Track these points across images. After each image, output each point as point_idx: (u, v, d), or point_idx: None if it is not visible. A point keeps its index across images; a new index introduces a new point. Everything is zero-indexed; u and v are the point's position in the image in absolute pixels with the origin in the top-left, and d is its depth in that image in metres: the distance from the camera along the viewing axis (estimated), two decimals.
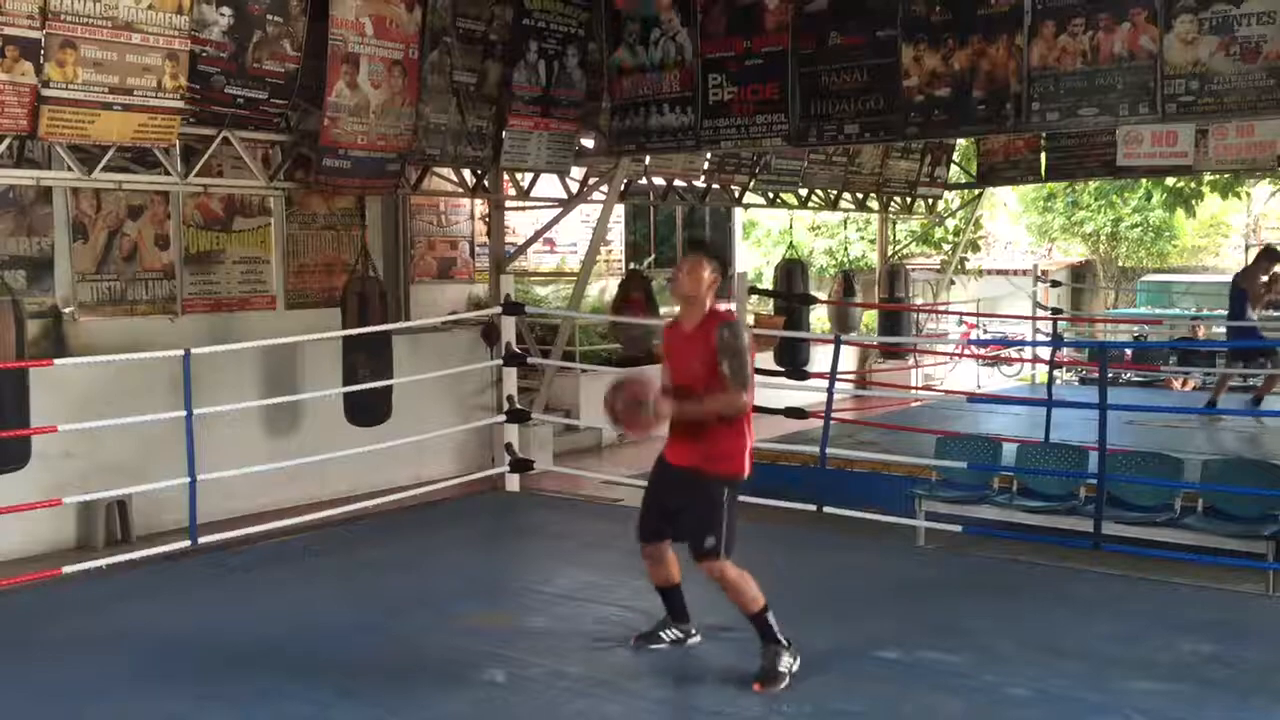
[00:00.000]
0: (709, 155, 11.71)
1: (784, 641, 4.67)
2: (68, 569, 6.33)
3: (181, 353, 6.80)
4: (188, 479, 6.70)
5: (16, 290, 7.48)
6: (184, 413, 6.64)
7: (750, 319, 11.51)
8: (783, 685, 4.58)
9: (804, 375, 11.30)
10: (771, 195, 13.86)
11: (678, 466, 4.75)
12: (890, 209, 15.88)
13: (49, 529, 7.84)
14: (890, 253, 16.60)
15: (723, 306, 4.71)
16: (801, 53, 8.52)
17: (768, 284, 15.18)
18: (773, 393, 10.43)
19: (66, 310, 8.29)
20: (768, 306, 14.12)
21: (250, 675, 4.87)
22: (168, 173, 7.74)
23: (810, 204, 14.58)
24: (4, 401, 6.80)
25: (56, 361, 7.14)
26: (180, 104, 7.29)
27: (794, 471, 8.68)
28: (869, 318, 16.64)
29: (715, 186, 12.87)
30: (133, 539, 7.97)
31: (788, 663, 4.66)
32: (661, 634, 5.09)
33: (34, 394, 7.06)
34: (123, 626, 5.55)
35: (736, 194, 13.29)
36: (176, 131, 7.40)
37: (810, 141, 8.97)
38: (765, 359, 12.01)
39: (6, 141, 6.88)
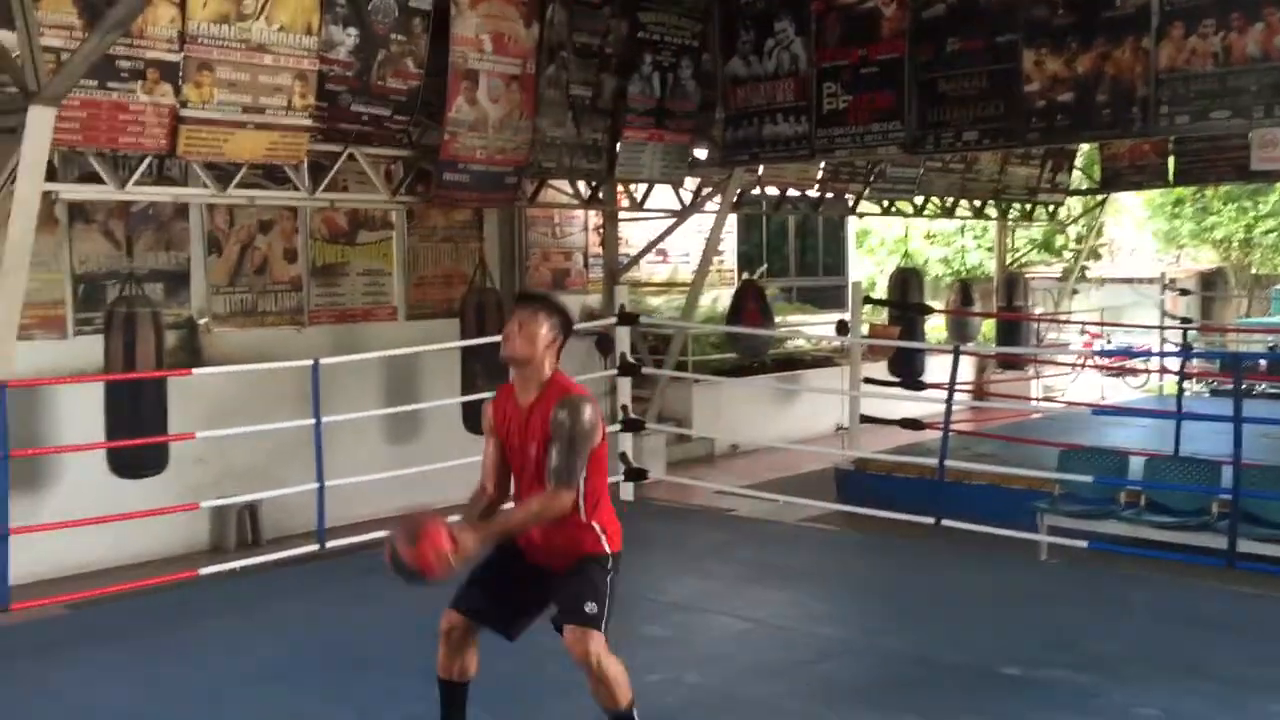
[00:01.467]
0: (823, 164, 11.64)
1: None
2: (204, 570, 6.59)
3: (311, 363, 7.04)
4: (316, 484, 6.92)
5: (156, 302, 7.80)
6: (313, 421, 6.87)
7: (864, 329, 11.39)
8: None
9: (920, 386, 11.15)
10: (886, 204, 13.70)
11: (547, 569, 3.91)
12: (1009, 216, 15.54)
13: (185, 532, 8.16)
14: (1009, 261, 16.25)
15: (567, 373, 3.87)
16: (918, 59, 8.42)
17: (881, 293, 15.01)
18: (888, 403, 10.33)
19: (201, 321, 8.63)
20: (882, 316, 13.95)
21: (375, 677, 5.01)
22: (296, 188, 8.01)
23: (926, 212, 14.37)
24: (145, 409, 7.10)
25: (195, 371, 7.42)
26: (309, 122, 7.54)
27: (910, 483, 8.56)
28: (987, 328, 16.31)
29: (829, 195, 12.79)
30: (262, 542, 8.24)
31: None
32: None
33: (171, 402, 7.36)
34: (255, 626, 5.75)
35: (850, 203, 13.18)
36: (305, 149, 7.65)
37: (927, 149, 8.85)
38: (879, 369, 11.87)
39: (147, 160, 7.19)
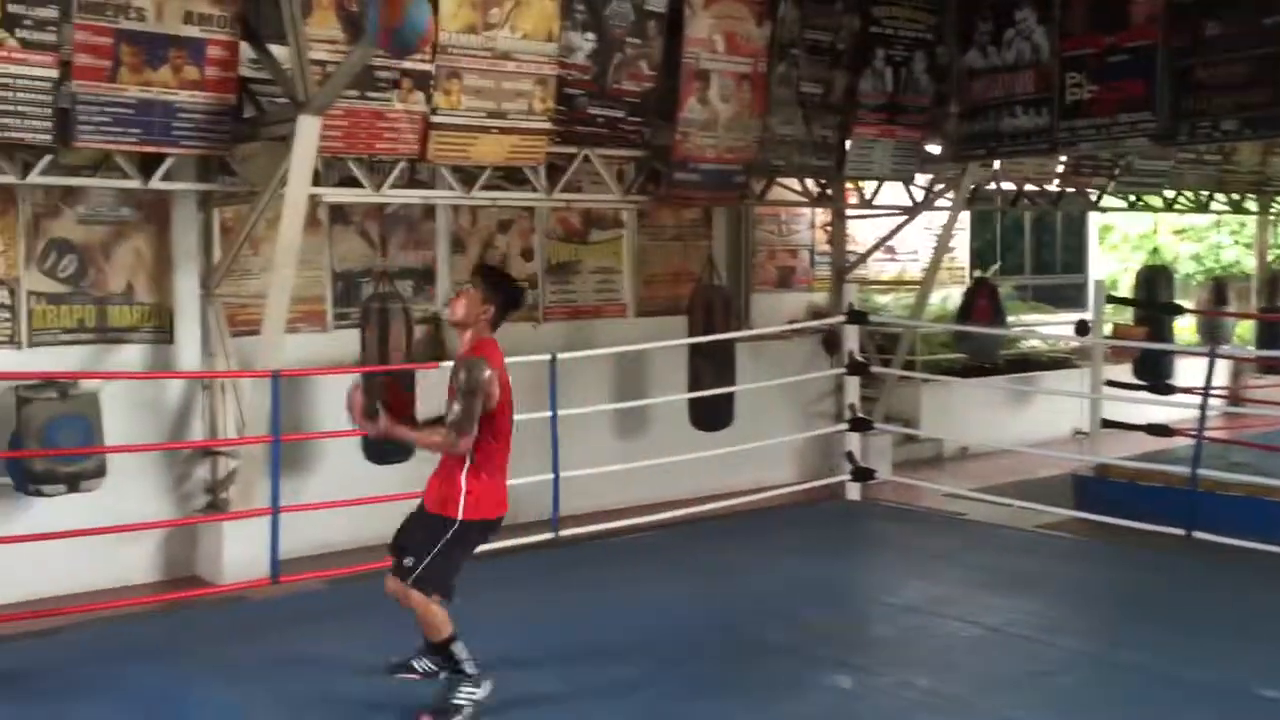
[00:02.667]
0: (1063, 158, 11.17)
1: (470, 670, 4.54)
2: None
3: (548, 357, 7.31)
4: (551, 475, 7.18)
5: (405, 298, 8.26)
6: (549, 413, 7.13)
7: (1107, 329, 10.85)
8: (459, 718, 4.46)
9: (1168, 390, 10.56)
10: (1133, 198, 13.01)
11: (422, 506, 4.65)
12: (1271, 210, 14.47)
13: None
14: (1271, 258, 15.13)
15: (493, 339, 4.55)
16: (1172, 46, 7.97)
17: (1124, 292, 14.26)
18: (1131, 408, 9.83)
19: (446, 316, 9.09)
20: (1125, 316, 13.25)
21: (607, 664, 5.17)
22: (534, 189, 8.32)
23: (1177, 206, 13.55)
24: (401, 397, 7.52)
25: (441, 364, 7.80)
26: (548, 125, 7.81)
27: (1157, 492, 8.11)
28: (1242, 329, 15.24)
29: (1070, 190, 12.25)
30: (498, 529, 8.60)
31: (468, 694, 4.51)
32: (414, 663, 4.72)
33: (419, 393, 7.77)
34: (494, 610, 6.02)
35: (1093, 197, 12.59)
36: (544, 151, 7.93)
37: (1180, 140, 8.38)
38: (1122, 372, 11.29)
39: (400, 165, 7.63)
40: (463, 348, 4.53)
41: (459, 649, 4.56)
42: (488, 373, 4.39)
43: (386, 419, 4.45)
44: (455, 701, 4.51)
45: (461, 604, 6.10)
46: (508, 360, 7.83)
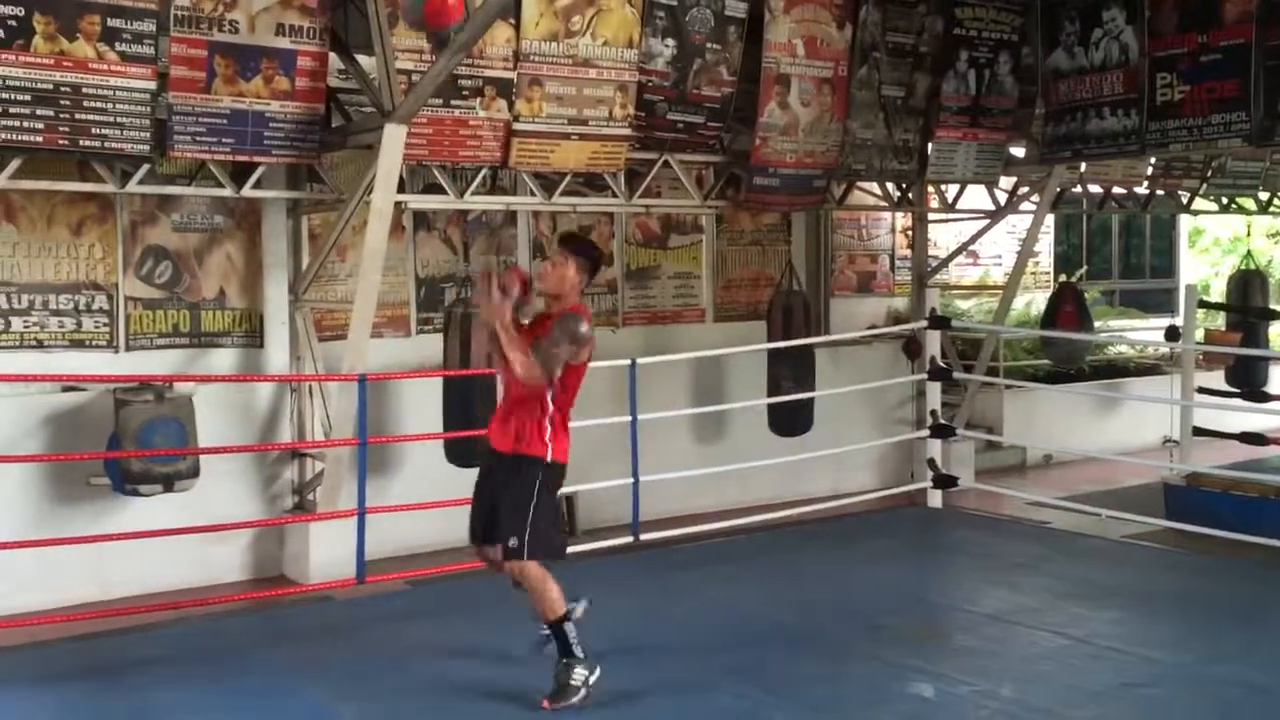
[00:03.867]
0: (1153, 160, 10.93)
1: (580, 654, 4.58)
2: None
3: (627, 362, 7.35)
4: (631, 479, 7.22)
5: None
6: (629, 418, 7.17)
7: (1198, 334, 10.59)
8: (575, 700, 4.53)
9: (1262, 397, 10.27)
10: (1225, 200, 12.69)
11: (498, 452, 4.70)
12: None
13: None
14: None
15: (582, 304, 4.75)
16: (1268, 44, 7.76)
17: (1216, 297, 13.90)
18: (1224, 415, 9.59)
19: (525, 322, 9.17)
20: (1218, 321, 12.92)
21: (685, 668, 5.17)
22: (614, 195, 8.37)
23: (1272, 208, 13.19)
24: (478, 403, 7.61)
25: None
26: (628, 132, 7.87)
27: (1253, 503, 7.90)
28: None
29: (1159, 193, 11.98)
30: (578, 533, 8.66)
31: (582, 676, 4.57)
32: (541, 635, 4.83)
33: (500, 397, 7.86)
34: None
35: (1184, 200, 12.30)
36: (624, 157, 7.98)
37: (1275, 141, 8.15)
38: (1214, 379, 11.00)
39: (483, 172, 7.74)
40: (557, 308, 4.66)
41: (570, 630, 4.61)
42: (590, 330, 4.61)
43: (509, 307, 4.48)
44: (571, 683, 4.57)
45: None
46: (591, 364, 7.98)
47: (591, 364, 7.95)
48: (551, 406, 4.61)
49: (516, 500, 4.55)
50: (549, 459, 4.60)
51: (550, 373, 4.52)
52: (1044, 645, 5.45)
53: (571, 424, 7.49)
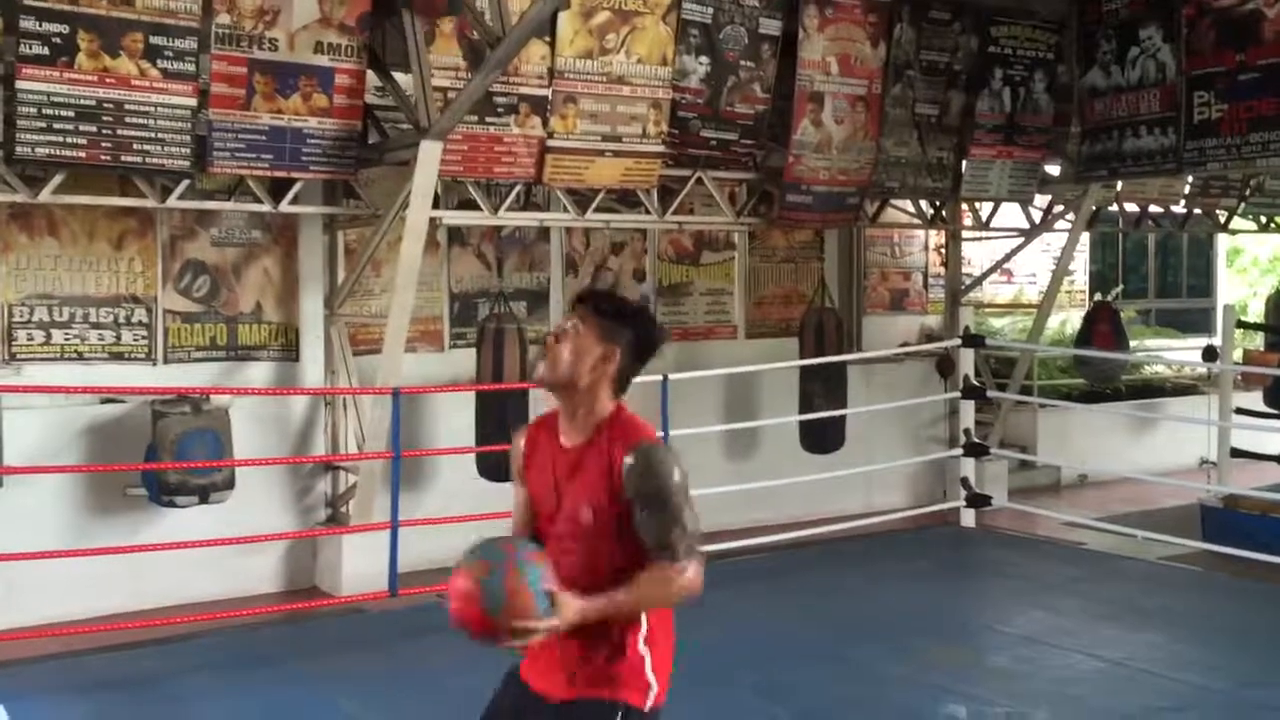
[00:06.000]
0: (1190, 178, 10.84)
1: None
2: None
3: (659, 378, 7.35)
4: None
5: (520, 319, 8.40)
6: (661, 434, 7.16)
7: (1236, 354, 10.48)
8: None
9: None
10: (1264, 219, 12.56)
11: (544, 697, 2.75)
12: None
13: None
14: None
15: (627, 407, 2.76)
16: None
17: (1255, 317, 13.75)
18: (1263, 437, 9.47)
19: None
20: (1256, 341, 12.77)
21: (715, 685, 5.16)
22: (647, 212, 8.40)
23: None
24: (510, 418, 7.65)
25: None
26: (661, 149, 7.89)
27: None
28: None
29: (1196, 211, 11.88)
30: None
31: None
32: None
33: (531, 413, 7.90)
34: None
35: (1222, 219, 12.19)
36: (657, 174, 8.01)
37: None
38: (1254, 400, 10.88)
39: (517, 188, 7.79)
40: (579, 422, 2.72)
41: None
42: (677, 461, 2.68)
43: (568, 605, 2.53)
44: None
45: None
46: None
47: None
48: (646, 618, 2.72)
49: None
50: (648, 705, 2.70)
51: (699, 561, 2.65)
52: (1078, 667, 5.40)
53: None
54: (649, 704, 2.67)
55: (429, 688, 5.22)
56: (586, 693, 2.64)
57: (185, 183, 6.84)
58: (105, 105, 6.26)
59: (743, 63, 8.11)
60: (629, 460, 2.61)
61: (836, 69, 8.44)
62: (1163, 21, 8.45)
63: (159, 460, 6.68)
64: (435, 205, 7.31)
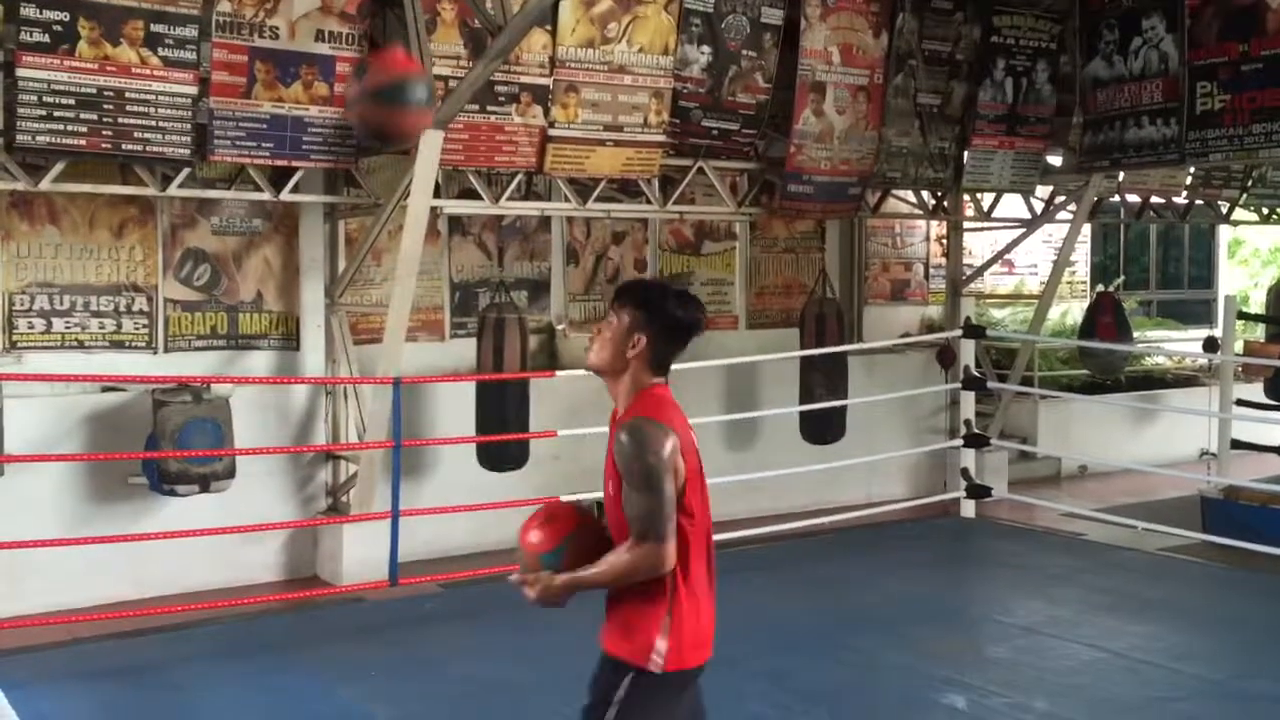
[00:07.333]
0: (1192, 169, 10.83)
1: None
2: None
3: None
4: None
5: (521, 309, 8.39)
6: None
7: (1238, 346, 10.47)
8: None
9: None
10: (1265, 211, 12.55)
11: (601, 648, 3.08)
12: None
13: None
14: None
15: (662, 385, 3.06)
16: None
17: (1256, 308, 13.75)
18: (1263, 428, 9.46)
19: (559, 327, 9.20)
20: (1257, 332, 12.77)
21: (717, 673, 5.16)
22: (648, 201, 8.39)
23: None
24: (511, 408, 7.66)
25: (559, 373, 7.90)
26: (663, 138, 7.88)
27: None
28: None
29: (1198, 202, 11.87)
30: None
31: None
32: None
33: (532, 402, 7.90)
34: (598, 621, 6.07)
35: (1223, 210, 12.18)
36: (658, 164, 8.00)
37: None
38: (1253, 391, 10.88)
39: (518, 177, 7.78)
40: (619, 407, 3.05)
41: None
42: (670, 440, 2.90)
43: (558, 577, 2.96)
44: None
45: (571, 615, 6.22)
46: None
47: None
48: (669, 578, 2.92)
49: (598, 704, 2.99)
50: (653, 666, 2.91)
51: (670, 539, 2.87)
52: (1078, 658, 5.41)
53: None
54: (660, 667, 2.91)
55: (429, 676, 5.23)
56: (613, 650, 2.99)
57: (186, 171, 6.83)
58: (106, 93, 6.25)
59: (744, 52, 8.10)
60: (619, 436, 2.92)
61: (838, 59, 8.43)
62: (1165, 12, 8.43)
63: (160, 449, 6.69)
64: (436, 194, 7.29)
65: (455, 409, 7.91)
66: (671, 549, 2.86)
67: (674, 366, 3.10)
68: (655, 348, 3.03)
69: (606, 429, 3.09)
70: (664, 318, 3.03)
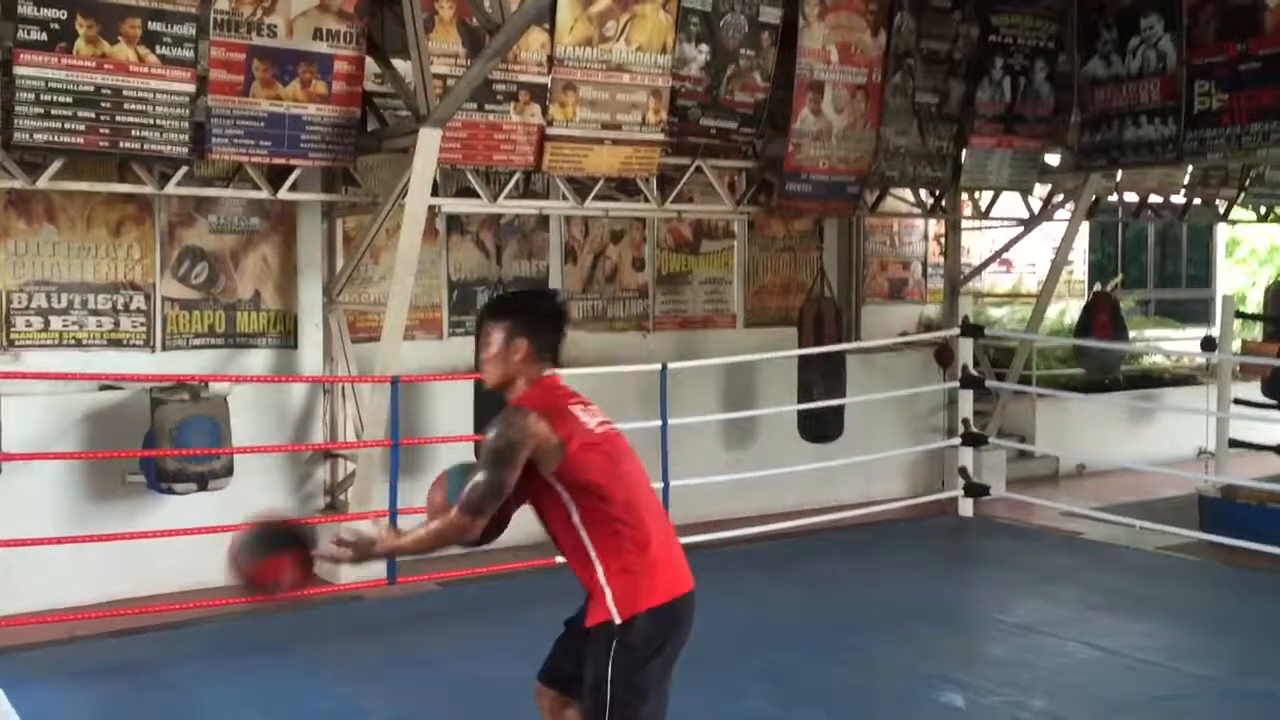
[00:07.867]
0: (1190, 168, 10.84)
1: None
2: (559, 559, 7.02)
3: (658, 367, 7.36)
4: (660, 484, 7.22)
5: None
6: (659, 422, 7.17)
7: (1235, 345, 10.47)
8: None
9: None
10: (1263, 210, 12.57)
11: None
12: None
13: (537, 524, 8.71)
14: None
15: (550, 378, 3.34)
16: None
17: (1254, 308, 13.76)
18: (1261, 427, 9.47)
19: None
20: (1255, 331, 12.78)
21: (715, 671, 5.17)
22: (646, 200, 8.39)
23: None
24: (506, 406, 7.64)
25: (560, 372, 7.88)
26: (661, 137, 7.89)
27: None
28: None
29: (1196, 201, 11.88)
30: None
31: None
32: None
33: None
34: None
35: (1221, 209, 12.19)
36: (657, 162, 8.00)
37: None
38: (1251, 390, 10.89)
39: (516, 176, 7.78)
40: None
41: None
42: (527, 419, 3.15)
43: (361, 541, 3.36)
44: None
45: (564, 610, 6.21)
46: (620, 369, 8.00)
47: (624, 368, 8.08)
48: (592, 551, 3.21)
49: (594, 675, 3.24)
50: (617, 620, 3.18)
51: (481, 515, 3.18)
52: (1075, 656, 5.41)
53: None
54: (622, 617, 3.18)
55: (426, 674, 5.23)
56: (588, 624, 3.24)
57: (184, 169, 6.83)
58: (103, 91, 6.24)
59: (743, 51, 8.10)
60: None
61: (836, 58, 8.43)
62: (1163, 11, 8.44)
63: (158, 447, 6.68)
64: (434, 193, 7.30)
65: (453, 407, 7.89)
66: (480, 524, 3.18)
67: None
68: (534, 343, 3.28)
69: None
70: (529, 314, 3.32)
